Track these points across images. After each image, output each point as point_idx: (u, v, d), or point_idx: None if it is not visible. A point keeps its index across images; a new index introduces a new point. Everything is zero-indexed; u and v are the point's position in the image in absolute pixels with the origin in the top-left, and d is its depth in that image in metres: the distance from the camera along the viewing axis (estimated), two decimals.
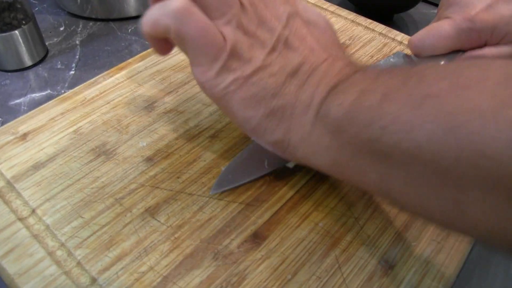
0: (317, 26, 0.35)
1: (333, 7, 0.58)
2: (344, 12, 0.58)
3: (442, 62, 0.42)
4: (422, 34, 0.44)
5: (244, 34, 0.32)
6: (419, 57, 0.45)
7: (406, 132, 0.25)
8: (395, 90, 0.27)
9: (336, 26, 0.55)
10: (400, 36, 0.54)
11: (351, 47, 0.52)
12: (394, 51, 0.52)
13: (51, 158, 0.38)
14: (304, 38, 0.34)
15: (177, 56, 0.49)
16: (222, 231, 0.34)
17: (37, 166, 0.38)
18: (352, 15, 0.57)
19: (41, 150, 0.39)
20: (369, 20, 0.56)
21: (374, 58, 0.51)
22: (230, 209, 0.36)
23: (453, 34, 0.43)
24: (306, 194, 0.37)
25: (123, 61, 0.48)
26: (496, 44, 0.43)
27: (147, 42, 0.58)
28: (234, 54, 0.31)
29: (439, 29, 0.43)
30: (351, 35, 0.54)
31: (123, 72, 0.46)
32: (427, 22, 0.68)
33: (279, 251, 0.34)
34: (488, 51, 0.43)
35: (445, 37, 0.43)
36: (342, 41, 0.53)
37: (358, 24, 0.56)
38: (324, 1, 0.59)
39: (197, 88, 0.45)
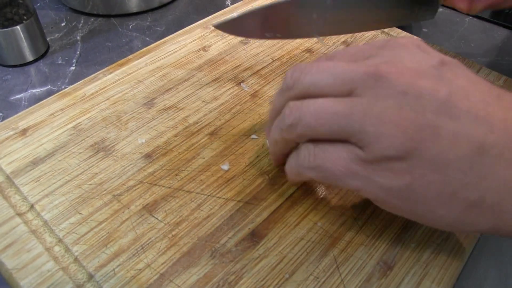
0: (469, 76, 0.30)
1: None
2: None
3: None
4: None
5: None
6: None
7: None
8: None
9: None
10: (403, 34, 0.54)
11: (352, 45, 0.52)
12: None
13: (50, 154, 0.38)
14: (468, 109, 0.28)
15: (177, 53, 0.49)
16: (220, 229, 0.34)
17: (36, 162, 0.38)
18: None
19: (41, 145, 0.39)
20: None
21: None
22: (228, 207, 0.36)
23: None
24: (305, 193, 0.37)
25: (124, 57, 0.48)
26: None
27: (147, 38, 0.58)
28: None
29: None
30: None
31: (124, 68, 0.46)
32: (431, 21, 0.68)
33: (277, 250, 0.33)
34: None
35: None
36: (343, 39, 0.53)
37: None
38: None
39: (197, 86, 0.45)
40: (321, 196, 0.37)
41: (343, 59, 0.32)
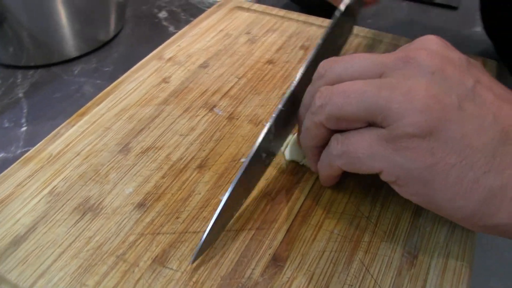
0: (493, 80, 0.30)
1: (282, 12, 0.58)
2: (294, 15, 0.57)
3: None
4: None
5: None
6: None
7: None
8: None
9: (290, 31, 0.55)
10: (355, 29, 0.54)
11: (311, 48, 0.52)
12: (353, 44, 0.52)
13: (31, 228, 0.35)
14: (493, 99, 0.28)
15: (138, 90, 0.46)
16: (241, 263, 0.32)
17: (17, 242, 0.34)
18: (303, 16, 0.57)
19: (17, 221, 0.35)
20: (321, 19, 0.56)
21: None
22: (241, 238, 0.34)
23: None
24: (312, 204, 0.36)
25: (78, 105, 0.45)
26: None
27: (98, 81, 0.55)
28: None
29: None
30: (307, 36, 0.54)
31: (85, 118, 0.43)
32: (371, 10, 0.69)
33: (303, 268, 0.32)
34: None
35: None
36: (300, 44, 0.52)
37: (311, 24, 0.56)
38: (272, 8, 0.58)
39: (170, 120, 0.43)
40: (328, 203, 0.36)
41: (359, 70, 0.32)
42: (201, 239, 0.32)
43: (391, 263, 0.32)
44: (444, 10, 0.72)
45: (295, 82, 0.37)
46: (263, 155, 0.36)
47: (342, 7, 0.42)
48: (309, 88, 0.34)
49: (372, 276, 0.32)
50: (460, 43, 0.55)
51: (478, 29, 0.67)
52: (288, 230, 0.34)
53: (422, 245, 0.34)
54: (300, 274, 0.32)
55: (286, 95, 0.36)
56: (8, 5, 0.51)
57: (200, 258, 0.32)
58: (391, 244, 0.34)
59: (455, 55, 0.30)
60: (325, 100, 0.31)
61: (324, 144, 0.33)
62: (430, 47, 0.30)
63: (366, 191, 0.37)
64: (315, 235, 0.34)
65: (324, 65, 0.33)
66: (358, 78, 0.30)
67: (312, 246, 0.33)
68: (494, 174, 0.27)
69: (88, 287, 0.31)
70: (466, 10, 0.72)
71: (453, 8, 0.72)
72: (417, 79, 0.28)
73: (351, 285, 0.31)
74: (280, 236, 0.34)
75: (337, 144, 0.31)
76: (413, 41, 0.32)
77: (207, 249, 0.33)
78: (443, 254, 0.33)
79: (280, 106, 0.36)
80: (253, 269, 0.32)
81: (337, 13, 0.42)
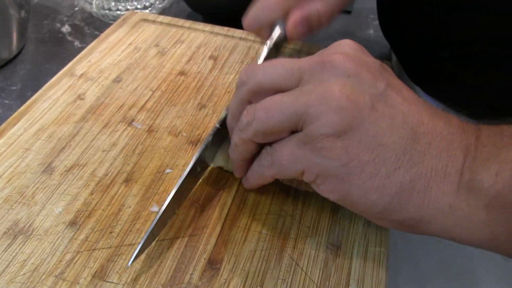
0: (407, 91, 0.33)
1: (188, 23, 0.59)
2: (200, 25, 0.59)
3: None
4: (253, 11, 0.47)
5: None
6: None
7: None
8: None
9: (197, 41, 0.56)
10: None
11: (220, 58, 0.54)
12: (260, 51, 0.55)
13: None
14: (402, 101, 0.31)
15: (53, 109, 0.46)
16: (179, 269, 0.34)
17: None
18: (208, 27, 0.59)
19: None
20: (226, 28, 0.58)
21: (245, 63, 0.53)
22: (176, 246, 0.35)
23: None
24: (239, 208, 0.38)
25: None
26: None
27: (6, 101, 0.53)
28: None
29: None
30: (215, 46, 0.56)
31: (1, 141, 0.42)
32: None
33: (238, 269, 0.34)
34: (318, 4, 0.46)
35: (275, 2, 0.46)
36: (209, 54, 0.54)
37: (217, 34, 0.58)
38: (178, 19, 0.60)
39: (90, 137, 0.43)
40: (253, 206, 0.39)
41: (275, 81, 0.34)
42: (135, 250, 0.33)
43: (318, 255, 0.36)
44: (340, 14, 0.78)
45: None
46: (198, 169, 0.38)
47: (269, 42, 0.46)
48: (234, 96, 0.36)
49: (302, 269, 0.35)
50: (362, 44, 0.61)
51: (371, 31, 0.73)
52: (219, 234, 0.36)
53: (343, 237, 0.37)
54: (236, 274, 0.34)
55: (222, 115, 0.39)
56: None
57: (139, 269, 0.33)
58: (316, 238, 0.37)
59: (370, 59, 0.33)
60: (251, 118, 0.32)
61: (251, 157, 0.36)
62: (345, 51, 0.32)
63: (287, 191, 0.40)
64: (245, 237, 0.36)
65: (245, 72, 0.35)
66: (278, 84, 0.32)
67: (244, 247, 0.36)
68: (404, 170, 0.29)
69: None
70: (359, 14, 0.77)
71: (347, 12, 0.78)
72: (332, 81, 0.30)
73: (284, 280, 0.34)
74: (212, 241, 0.36)
75: (267, 155, 0.33)
76: (329, 46, 0.34)
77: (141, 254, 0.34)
78: (362, 244, 0.37)
79: (217, 125, 0.39)
80: (191, 274, 0.34)
81: (265, 47, 0.46)
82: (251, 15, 0.47)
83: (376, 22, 0.75)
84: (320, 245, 0.37)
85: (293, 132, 0.32)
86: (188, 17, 0.71)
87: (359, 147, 0.29)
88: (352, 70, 0.31)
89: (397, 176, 0.29)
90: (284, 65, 0.33)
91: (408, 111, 0.30)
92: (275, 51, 0.47)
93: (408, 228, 0.32)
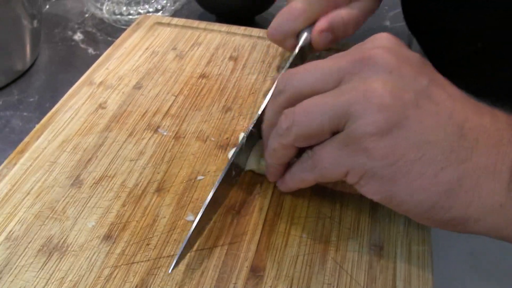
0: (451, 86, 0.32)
1: (203, 24, 0.58)
2: (216, 26, 0.58)
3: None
4: (277, 21, 0.46)
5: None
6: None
7: None
8: None
9: (215, 42, 0.55)
10: None
11: (240, 58, 0.53)
12: (279, 50, 0.54)
13: None
14: (447, 97, 0.30)
15: (75, 119, 0.44)
16: (221, 279, 0.33)
17: None
18: (224, 27, 0.58)
19: None
20: (243, 27, 0.57)
21: (266, 62, 0.52)
22: (216, 255, 0.34)
23: (305, 6, 0.45)
24: (276, 213, 0.37)
25: (10, 141, 0.43)
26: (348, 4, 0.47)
27: (25, 113, 0.52)
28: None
29: (291, 7, 0.46)
30: (233, 46, 0.55)
31: (26, 155, 0.41)
32: None
33: (282, 275, 0.33)
34: (343, 12, 0.46)
35: (299, 11, 0.45)
36: (228, 55, 0.53)
37: (234, 34, 0.57)
38: (193, 21, 0.59)
39: (116, 146, 0.42)
40: (291, 210, 0.38)
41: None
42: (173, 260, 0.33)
43: (361, 257, 0.35)
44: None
45: (263, 105, 0.39)
46: (233, 173, 0.36)
47: (296, 50, 0.46)
48: (270, 104, 0.35)
49: (347, 272, 0.34)
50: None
51: (387, 23, 0.72)
52: (259, 241, 0.35)
53: (385, 236, 0.36)
54: (280, 281, 0.33)
55: (256, 117, 0.38)
56: None
57: (180, 281, 0.32)
58: (358, 240, 0.36)
59: (409, 53, 0.32)
60: (290, 122, 0.31)
61: (288, 162, 0.35)
62: (384, 44, 0.31)
63: (323, 193, 0.39)
64: (286, 242, 0.35)
65: (282, 79, 0.34)
66: (318, 89, 0.31)
67: (286, 252, 0.35)
68: (451, 169, 0.28)
69: None
70: None
71: None
72: (374, 78, 0.29)
73: (330, 284, 0.33)
74: (253, 247, 0.35)
75: (308, 159, 0.32)
76: (366, 40, 0.33)
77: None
78: (406, 242, 0.36)
79: (251, 128, 0.38)
80: (235, 283, 0.33)
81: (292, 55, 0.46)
82: (274, 24, 0.47)
83: (392, 13, 0.73)
84: (362, 246, 0.35)
85: (335, 133, 0.31)
86: (200, 17, 0.70)
87: (405, 146, 0.28)
88: (394, 65, 0.30)
89: (445, 175, 0.28)
90: (323, 67, 0.32)
91: (453, 107, 0.30)
92: (300, 60, 0.47)
93: (454, 227, 0.31)
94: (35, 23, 0.57)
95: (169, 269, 0.33)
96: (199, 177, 0.40)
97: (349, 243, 0.36)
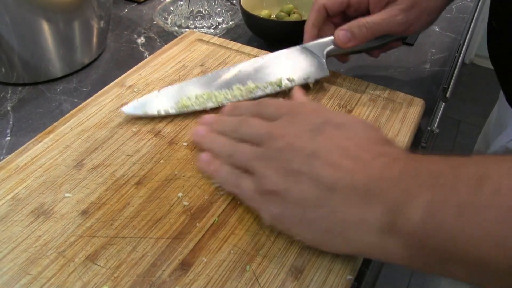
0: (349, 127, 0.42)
1: (237, 46, 0.66)
2: (247, 49, 0.65)
3: None
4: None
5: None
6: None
7: (499, 245, 0.29)
8: (469, 202, 0.30)
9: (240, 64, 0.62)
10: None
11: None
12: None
13: None
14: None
15: (98, 114, 0.54)
16: (154, 265, 0.40)
17: None
18: (255, 51, 0.65)
19: None
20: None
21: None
22: (159, 245, 0.42)
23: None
24: (223, 222, 0.44)
25: (56, 121, 0.53)
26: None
27: (75, 100, 0.63)
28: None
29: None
30: None
31: (51, 136, 0.52)
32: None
33: (204, 273, 0.40)
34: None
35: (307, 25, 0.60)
36: None
37: None
38: (229, 41, 0.66)
39: (120, 142, 0.51)
40: (237, 221, 0.44)
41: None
42: None
43: (278, 275, 0.40)
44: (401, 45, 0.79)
45: None
46: None
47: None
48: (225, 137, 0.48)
49: (259, 284, 0.39)
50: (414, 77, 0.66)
51: (427, 66, 0.74)
52: (198, 241, 0.42)
53: (309, 263, 0.41)
54: (200, 278, 0.40)
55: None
56: (2, 32, 0.60)
57: (123, 258, 0.40)
58: (282, 260, 0.41)
59: (311, 124, 0.43)
60: (234, 152, 0.46)
61: None
62: (293, 124, 0.44)
63: None
64: (219, 247, 0.42)
65: (237, 122, 0.48)
66: (252, 141, 0.45)
67: (216, 256, 0.41)
68: (323, 219, 0.38)
69: (31, 276, 0.39)
70: (420, 47, 0.79)
71: (410, 44, 0.79)
72: (271, 153, 0.42)
73: None
74: (191, 246, 0.42)
75: (232, 174, 0.45)
76: (291, 109, 0.46)
77: None
78: (325, 271, 0.40)
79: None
80: (164, 270, 0.40)
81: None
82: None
83: (435, 57, 0.75)
84: (284, 266, 0.41)
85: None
86: (251, 39, 0.77)
87: (289, 202, 0.40)
88: (287, 143, 0.42)
89: (318, 223, 0.38)
90: (256, 129, 0.45)
91: (328, 170, 0.38)
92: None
93: (345, 253, 0.41)
94: (102, 23, 0.68)
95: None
96: (174, 179, 0.47)
97: (273, 260, 0.41)
